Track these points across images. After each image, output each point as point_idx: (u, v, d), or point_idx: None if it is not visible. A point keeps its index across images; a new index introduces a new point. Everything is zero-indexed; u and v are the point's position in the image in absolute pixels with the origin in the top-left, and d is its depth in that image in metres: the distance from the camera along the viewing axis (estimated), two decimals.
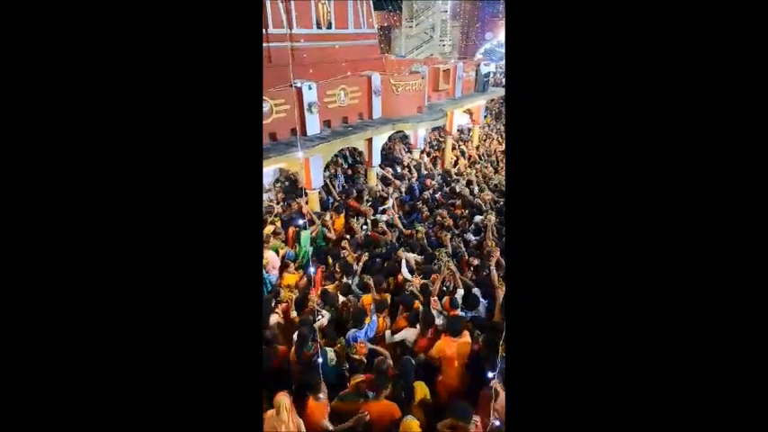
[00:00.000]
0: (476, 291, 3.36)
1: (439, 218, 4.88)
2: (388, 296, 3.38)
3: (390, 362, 2.76)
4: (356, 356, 2.77)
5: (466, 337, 2.78)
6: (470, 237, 4.49)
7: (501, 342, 2.25)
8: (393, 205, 5.32)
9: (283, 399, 2.16)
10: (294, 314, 3.23)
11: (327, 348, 2.70)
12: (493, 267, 3.46)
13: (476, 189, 5.95)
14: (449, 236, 4.17)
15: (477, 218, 4.86)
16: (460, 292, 3.28)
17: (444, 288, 3.46)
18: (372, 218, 4.88)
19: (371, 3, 8.14)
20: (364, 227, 4.76)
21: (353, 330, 3.00)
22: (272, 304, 3.35)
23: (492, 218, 4.23)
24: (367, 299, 3.31)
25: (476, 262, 3.93)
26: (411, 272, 3.67)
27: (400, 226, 4.74)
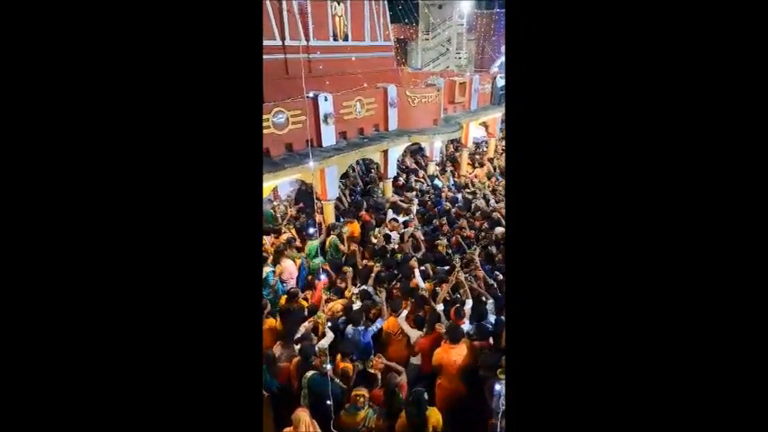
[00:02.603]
0: (490, 303, 3.38)
1: (458, 228, 4.90)
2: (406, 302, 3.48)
3: (403, 378, 2.75)
4: (371, 371, 2.77)
5: (464, 344, 2.91)
6: (493, 249, 4.49)
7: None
8: (414, 218, 5.39)
9: (303, 415, 2.16)
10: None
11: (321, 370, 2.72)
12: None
13: (492, 201, 5.93)
14: (476, 251, 4.20)
15: (499, 230, 4.86)
16: (469, 302, 3.33)
17: (456, 297, 3.56)
18: (401, 231, 4.95)
19: (388, 16, 8.35)
20: (392, 238, 4.82)
21: (362, 328, 3.18)
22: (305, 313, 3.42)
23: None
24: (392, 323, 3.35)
25: (500, 276, 3.92)
26: (424, 280, 3.79)
27: (422, 238, 4.83)
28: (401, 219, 5.36)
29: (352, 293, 3.70)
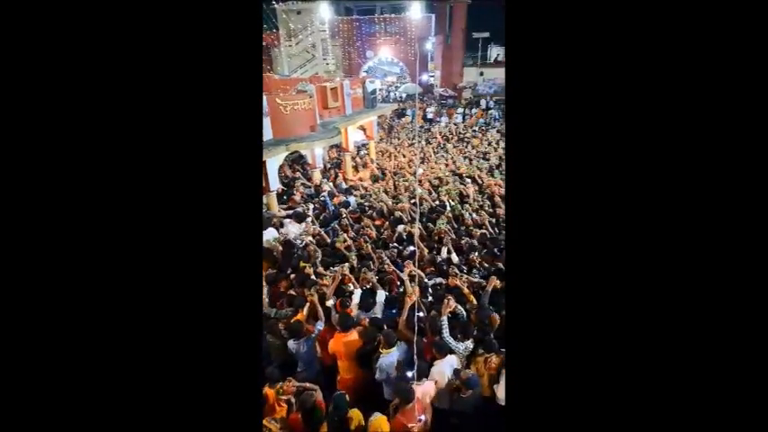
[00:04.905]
0: (380, 293, 3.69)
1: (367, 229, 5.06)
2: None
3: (319, 394, 2.71)
4: (283, 397, 2.64)
5: (354, 333, 3.20)
6: (401, 247, 4.73)
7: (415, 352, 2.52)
8: (312, 221, 5.42)
9: None
10: None
11: None
12: (406, 276, 3.69)
13: (389, 201, 6.20)
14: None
15: (400, 227, 5.10)
16: (357, 292, 3.66)
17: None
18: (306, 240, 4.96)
19: None
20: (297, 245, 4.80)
21: (303, 338, 3.20)
22: None
23: (416, 230, 4.49)
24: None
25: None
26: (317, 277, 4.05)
27: (327, 239, 4.95)
28: (306, 223, 5.37)
29: None
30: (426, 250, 4.48)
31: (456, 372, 2.83)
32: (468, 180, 7.12)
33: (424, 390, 2.70)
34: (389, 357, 2.95)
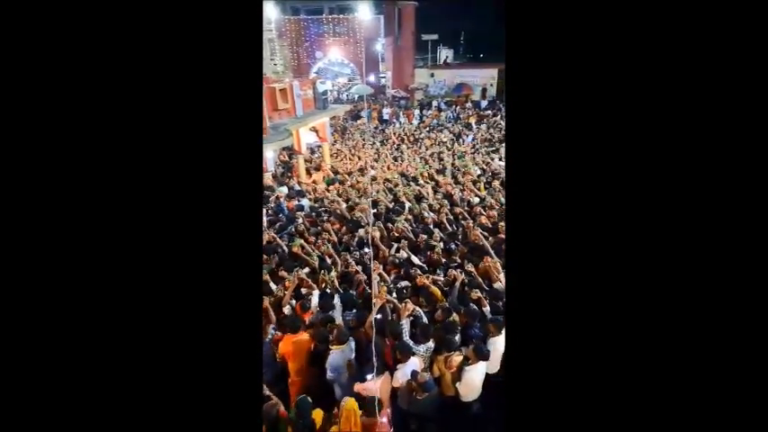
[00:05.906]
0: (336, 295, 3.73)
1: (325, 234, 5.01)
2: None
3: (281, 406, 2.65)
4: None
5: (303, 335, 3.20)
6: (362, 250, 4.69)
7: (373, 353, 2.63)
8: (265, 227, 5.32)
9: None
10: None
11: None
12: (373, 280, 3.70)
13: (344, 205, 6.15)
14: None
15: (361, 231, 5.08)
16: (316, 293, 3.70)
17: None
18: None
19: None
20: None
21: None
22: None
23: (377, 234, 4.46)
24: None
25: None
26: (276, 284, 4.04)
27: (282, 244, 4.89)
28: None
29: None
30: (388, 252, 4.49)
31: (413, 374, 2.86)
32: (422, 180, 7.25)
33: (381, 387, 2.71)
34: (338, 355, 2.97)
